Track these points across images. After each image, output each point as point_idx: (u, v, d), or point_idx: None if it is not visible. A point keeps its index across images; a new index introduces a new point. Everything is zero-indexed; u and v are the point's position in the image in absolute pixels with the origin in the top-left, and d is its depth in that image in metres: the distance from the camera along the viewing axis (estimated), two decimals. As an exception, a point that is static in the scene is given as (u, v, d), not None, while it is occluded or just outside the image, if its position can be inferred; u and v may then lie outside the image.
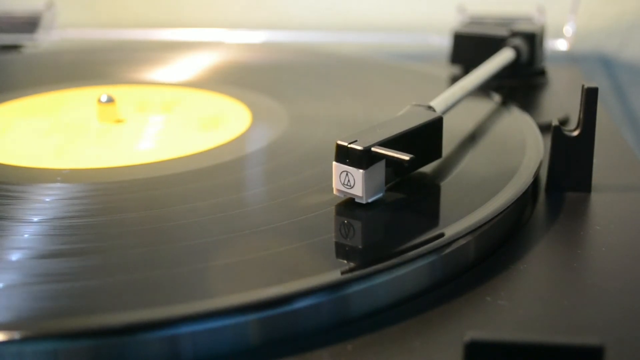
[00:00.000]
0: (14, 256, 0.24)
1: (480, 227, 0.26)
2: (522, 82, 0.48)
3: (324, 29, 0.66)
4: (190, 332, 0.21)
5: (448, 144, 0.33)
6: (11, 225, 0.27)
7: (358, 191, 0.27)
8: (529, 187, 0.30)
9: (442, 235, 0.25)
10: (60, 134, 0.38)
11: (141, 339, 0.21)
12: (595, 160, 0.32)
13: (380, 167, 0.28)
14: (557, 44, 0.59)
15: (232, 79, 0.47)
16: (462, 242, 0.25)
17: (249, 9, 0.69)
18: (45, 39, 0.62)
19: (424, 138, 0.30)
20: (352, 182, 0.27)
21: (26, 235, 0.26)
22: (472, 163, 0.32)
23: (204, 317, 0.21)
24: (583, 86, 0.31)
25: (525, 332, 0.22)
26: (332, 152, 0.27)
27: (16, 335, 0.20)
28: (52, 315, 0.21)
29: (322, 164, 0.31)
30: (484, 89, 0.42)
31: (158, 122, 0.39)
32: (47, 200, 0.29)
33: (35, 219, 0.27)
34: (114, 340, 0.20)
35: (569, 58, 0.58)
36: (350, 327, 0.23)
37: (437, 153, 0.31)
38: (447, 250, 0.25)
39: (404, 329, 0.23)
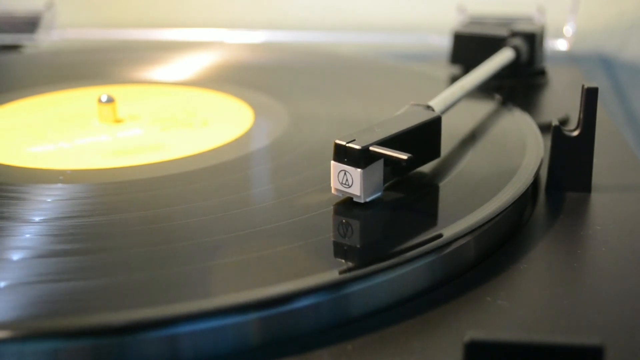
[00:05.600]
0: (16, 256, 0.24)
1: (480, 227, 0.26)
2: (522, 82, 0.48)
3: (324, 29, 0.66)
4: (190, 331, 0.21)
5: (448, 143, 0.33)
6: (13, 225, 0.27)
7: (356, 190, 0.27)
8: (529, 187, 0.30)
9: (442, 235, 0.25)
10: (57, 134, 0.38)
11: (141, 338, 0.21)
12: (595, 160, 0.32)
13: (378, 167, 0.28)
14: (557, 44, 0.59)
15: (232, 78, 0.47)
16: (462, 242, 0.25)
17: (249, 9, 0.69)
18: (45, 39, 0.62)
19: (423, 137, 0.30)
20: (350, 181, 0.27)
21: (28, 235, 0.26)
22: (472, 163, 0.32)
23: (204, 317, 0.21)
24: (583, 86, 0.31)
25: (525, 332, 0.22)
26: (332, 151, 0.27)
27: (16, 334, 0.20)
28: (52, 315, 0.21)
29: (322, 164, 0.31)
30: (484, 89, 0.42)
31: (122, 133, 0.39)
32: (49, 200, 0.29)
33: (37, 219, 0.27)
34: (114, 339, 0.20)
35: (569, 58, 0.58)
36: (350, 327, 0.23)
37: (435, 153, 0.31)
38: (447, 250, 0.25)
39: (404, 329, 0.23)
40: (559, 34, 0.59)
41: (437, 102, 0.33)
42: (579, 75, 0.52)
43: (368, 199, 0.27)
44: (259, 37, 0.63)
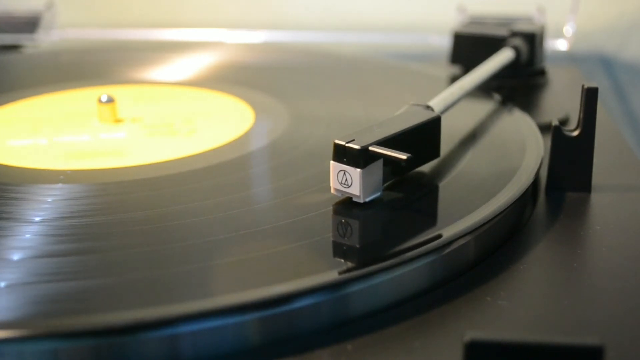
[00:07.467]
0: (16, 255, 0.24)
1: (480, 227, 0.26)
2: (522, 82, 0.48)
3: (323, 29, 0.66)
4: (190, 331, 0.21)
5: (448, 143, 0.33)
6: (13, 225, 0.27)
7: (355, 190, 0.27)
8: (529, 187, 0.30)
9: (441, 235, 0.25)
10: (58, 133, 0.38)
11: (141, 338, 0.21)
12: (595, 160, 0.32)
13: (377, 167, 0.28)
14: (557, 44, 0.59)
15: (232, 78, 0.47)
16: (461, 242, 0.25)
17: (249, 9, 0.69)
18: (45, 39, 0.62)
19: (422, 137, 0.30)
20: (349, 181, 0.27)
21: (28, 235, 0.26)
22: (472, 163, 0.32)
23: (204, 317, 0.21)
24: (583, 86, 0.31)
25: (525, 332, 0.22)
26: (331, 151, 0.27)
27: (16, 334, 0.20)
28: (52, 315, 0.21)
29: (322, 164, 0.31)
30: (484, 89, 0.42)
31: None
32: (49, 200, 0.29)
33: (37, 219, 0.27)
34: (114, 340, 0.20)
35: (569, 58, 0.58)
36: (350, 327, 0.23)
37: (435, 153, 0.31)
38: (447, 251, 0.25)
39: (404, 329, 0.23)
40: (559, 34, 0.59)
41: (437, 102, 0.33)
42: (579, 75, 0.52)
43: (367, 199, 0.27)
44: (258, 37, 0.63)
